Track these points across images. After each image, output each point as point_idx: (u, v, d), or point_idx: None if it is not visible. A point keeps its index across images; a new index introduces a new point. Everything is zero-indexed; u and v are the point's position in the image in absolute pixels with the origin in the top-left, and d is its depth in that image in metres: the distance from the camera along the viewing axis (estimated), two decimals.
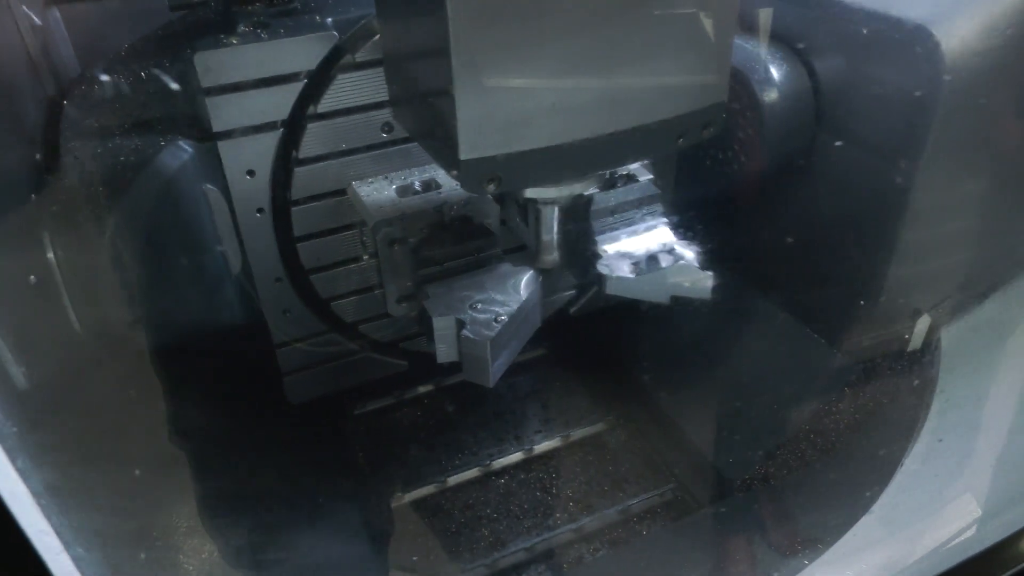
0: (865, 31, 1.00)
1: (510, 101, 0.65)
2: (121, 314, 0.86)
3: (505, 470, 1.39)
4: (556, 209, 0.83)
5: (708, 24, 0.68)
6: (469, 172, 0.65)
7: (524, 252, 1.06)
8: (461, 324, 0.82)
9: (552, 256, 0.86)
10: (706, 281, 0.91)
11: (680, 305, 0.96)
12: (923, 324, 1.12)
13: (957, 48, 0.93)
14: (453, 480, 1.37)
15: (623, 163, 0.87)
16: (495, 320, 0.82)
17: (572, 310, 1.37)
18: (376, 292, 1.10)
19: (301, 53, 0.93)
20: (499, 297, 0.86)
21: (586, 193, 0.93)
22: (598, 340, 1.54)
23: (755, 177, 1.15)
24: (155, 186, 0.90)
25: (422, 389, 1.51)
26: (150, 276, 0.92)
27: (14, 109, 0.85)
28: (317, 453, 1.32)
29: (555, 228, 0.84)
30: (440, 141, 0.67)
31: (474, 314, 0.83)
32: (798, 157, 1.11)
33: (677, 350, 1.43)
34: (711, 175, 1.17)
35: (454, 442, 1.43)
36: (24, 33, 0.94)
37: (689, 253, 0.94)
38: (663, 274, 0.91)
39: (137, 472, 0.87)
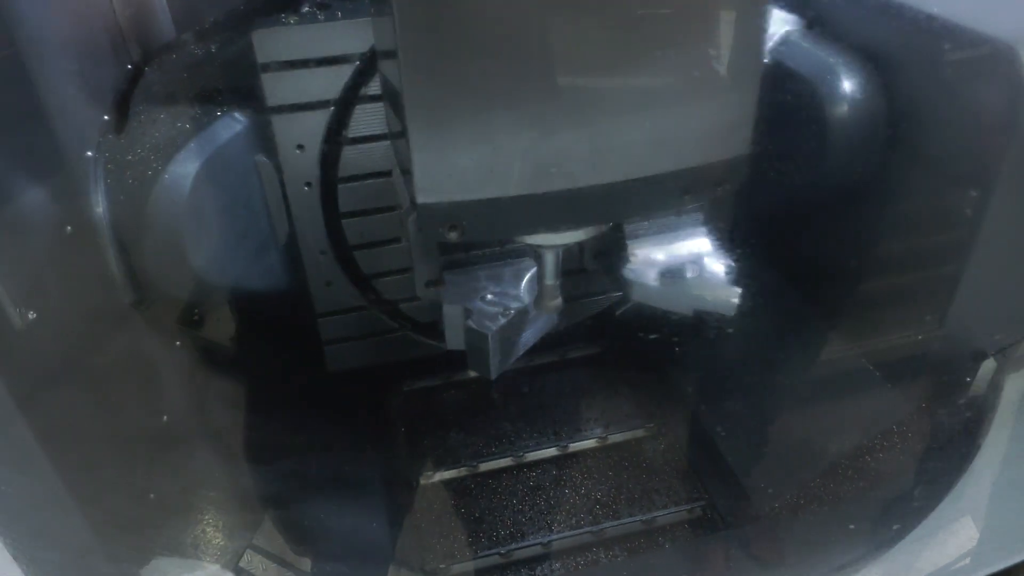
0: (947, 46, 0.93)
1: (473, 146, 0.61)
2: (161, 273, 0.92)
3: (538, 463, 1.39)
4: (558, 254, 0.80)
5: (722, 63, 0.61)
6: (427, 217, 0.62)
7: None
8: (468, 313, 0.83)
9: (555, 302, 0.84)
10: (732, 298, 0.88)
11: (733, 321, 0.93)
12: (986, 368, 1.03)
13: None
14: (484, 466, 1.39)
15: (614, 219, 0.78)
16: (502, 313, 0.82)
17: (618, 312, 1.35)
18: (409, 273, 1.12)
19: (355, 36, 0.96)
20: (513, 291, 0.86)
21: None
22: (655, 347, 1.51)
23: (815, 193, 1.09)
24: (209, 153, 0.95)
25: (466, 375, 1.53)
26: (198, 239, 0.97)
27: (90, 71, 0.92)
28: (354, 423, 1.37)
29: (556, 274, 0.82)
30: (407, 181, 0.65)
31: (484, 305, 0.84)
32: (862, 175, 1.05)
33: (726, 366, 1.38)
34: (766, 188, 1.12)
35: (491, 429, 1.45)
36: (116, 3, 1.02)
37: (719, 267, 0.91)
38: (687, 286, 0.88)
39: (165, 418, 0.94)
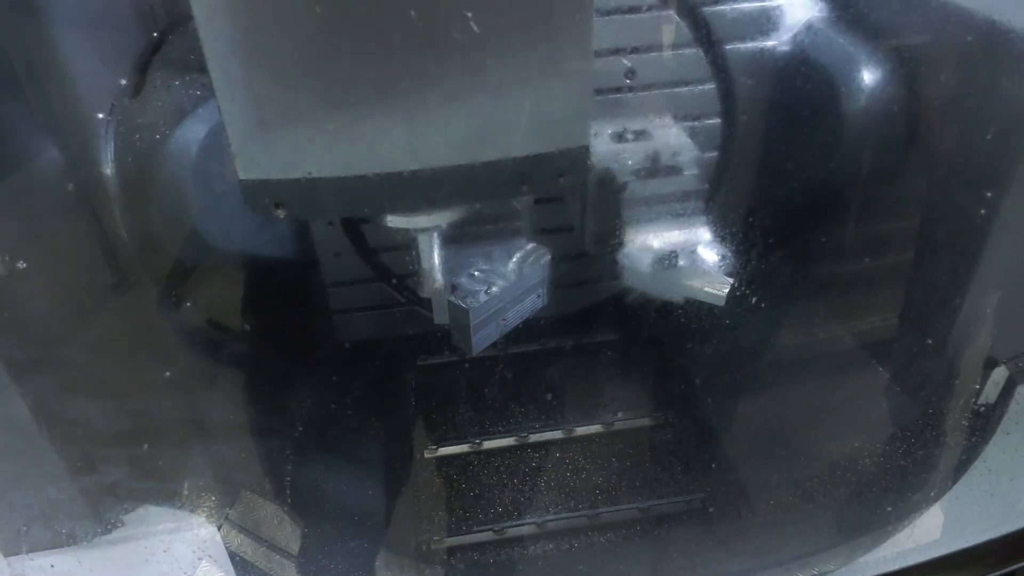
0: (970, 39, 0.89)
1: (287, 122, 0.59)
2: (171, 233, 0.95)
3: (541, 445, 1.40)
4: (434, 237, 0.78)
5: (558, 44, 0.58)
6: (249, 193, 0.62)
7: (551, 235, 1.04)
8: (452, 288, 0.84)
9: (434, 285, 0.82)
10: (722, 288, 0.87)
11: (742, 316, 0.92)
12: (998, 376, 1.00)
13: None
14: (488, 444, 1.40)
15: (445, 205, 0.73)
16: (485, 291, 0.83)
17: (628, 299, 1.34)
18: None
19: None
20: (500, 270, 0.87)
21: (620, 182, 0.91)
22: (671, 335, 1.50)
23: (829, 185, 1.06)
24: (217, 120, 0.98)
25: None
26: (208, 202, 1.00)
27: (110, 37, 0.96)
28: (360, 394, 1.40)
29: (435, 257, 0.79)
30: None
31: (468, 281, 0.85)
32: (880, 170, 1.01)
33: (737, 360, 1.36)
34: (775, 178, 1.09)
35: (497, 408, 1.45)
36: None
37: (713, 257, 0.89)
38: (678, 274, 0.88)
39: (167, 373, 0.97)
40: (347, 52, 0.57)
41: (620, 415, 1.41)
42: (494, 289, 0.83)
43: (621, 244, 0.92)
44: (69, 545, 0.67)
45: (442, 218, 0.73)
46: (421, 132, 0.60)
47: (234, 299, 1.07)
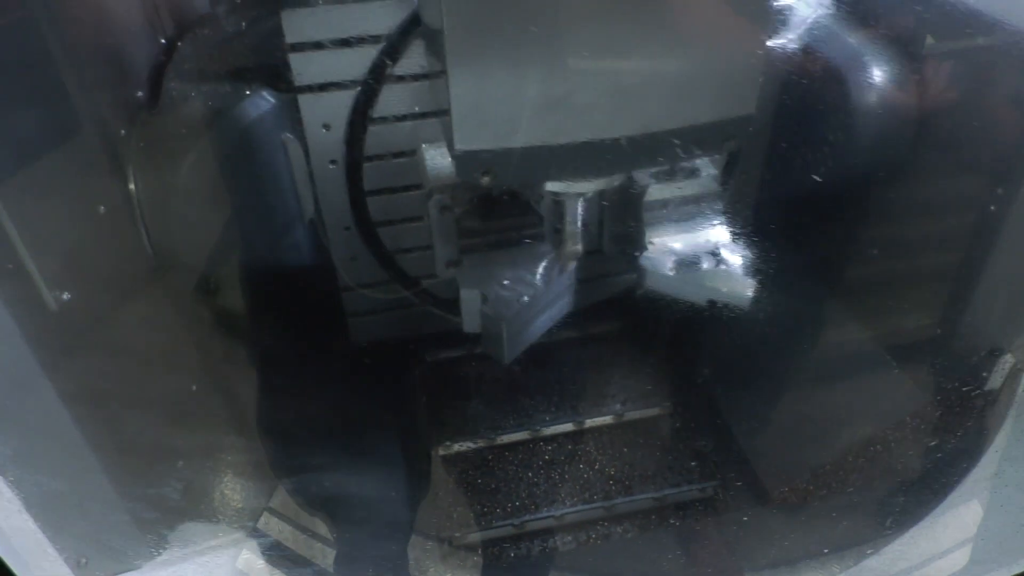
0: (981, 40, 0.91)
1: (504, 98, 0.66)
2: (193, 245, 0.95)
3: (554, 438, 1.42)
4: (580, 201, 0.82)
5: (732, 28, 0.64)
6: (463, 162, 0.67)
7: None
8: (484, 299, 0.85)
9: (575, 248, 0.86)
10: (746, 290, 0.88)
11: (751, 308, 0.94)
12: (1004, 364, 1.03)
13: None
14: (502, 439, 1.42)
15: (628, 170, 0.83)
16: (517, 300, 0.84)
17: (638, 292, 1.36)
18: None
19: (381, 16, 0.97)
20: (528, 277, 0.88)
21: (640, 184, 0.92)
22: (676, 327, 1.52)
23: (840, 183, 1.08)
24: (238, 130, 0.98)
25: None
26: (227, 212, 1.00)
27: (122, 49, 0.95)
28: (376, 393, 1.41)
29: (578, 220, 0.83)
30: (447, 128, 0.69)
31: (500, 291, 0.86)
32: (890, 166, 1.03)
33: (746, 349, 1.39)
34: (789, 176, 1.11)
35: (510, 402, 1.47)
36: None
37: (736, 259, 0.91)
38: (701, 277, 0.89)
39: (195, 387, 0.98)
40: (558, 37, 0.64)
41: (630, 405, 1.44)
42: (525, 299, 0.84)
43: (643, 247, 0.93)
44: (128, 571, 0.68)
45: (595, 185, 0.78)
46: (620, 105, 0.68)
47: (255, 305, 1.08)
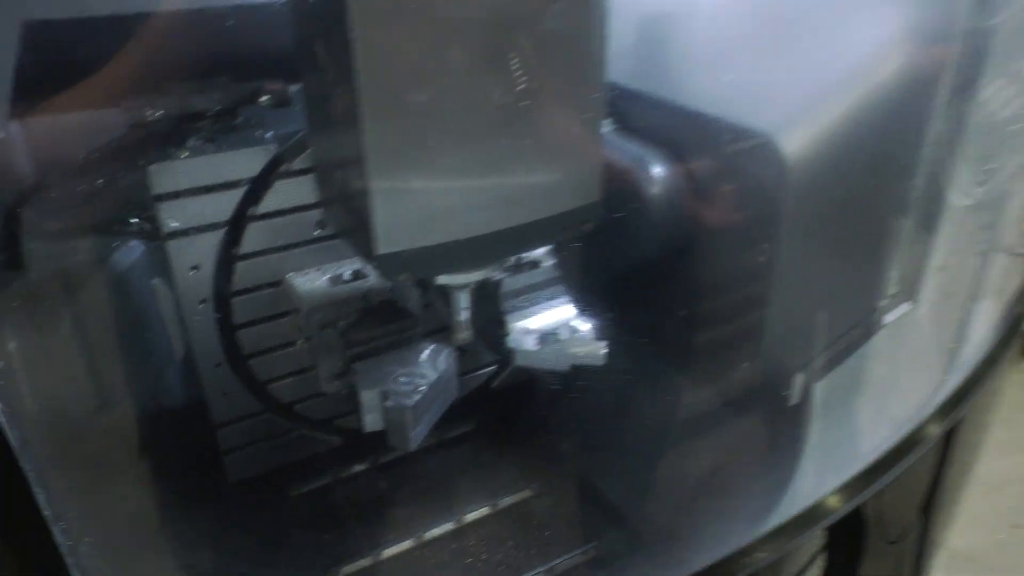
0: (725, 139, 1.20)
1: (418, 203, 0.78)
2: (78, 398, 0.95)
3: (438, 540, 1.47)
4: (467, 292, 0.96)
5: (580, 137, 0.84)
6: (385, 264, 0.78)
7: (443, 332, 1.19)
8: (385, 395, 0.94)
9: (466, 334, 0.99)
10: (600, 350, 1.06)
11: (588, 375, 1.10)
12: (798, 380, 1.29)
13: (796, 152, 1.13)
14: (387, 552, 1.44)
15: (515, 253, 0.99)
16: (415, 390, 0.94)
17: (494, 384, 1.49)
18: (311, 373, 1.20)
19: (243, 164, 1.07)
20: (419, 371, 0.99)
21: (495, 278, 1.08)
22: (525, 413, 1.66)
23: (647, 260, 1.32)
24: (110, 282, 1.01)
25: (357, 467, 1.59)
26: (103, 363, 1.01)
27: None
28: (257, 529, 1.38)
29: (468, 309, 0.97)
30: (360, 238, 0.80)
31: (396, 386, 0.95)
32: (682, 242, 1.29)
33: (588, 416, 1.56)
34: (613, 258, 1.34)
35: (389, 516, 1.51)
36: None
37: (586, 327, 1.09)
38: (562, 346, 1.05)
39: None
40: (461, 147, 0.78)
41: (505, 493, 1.53)
42: (423, 387, 0.94)
43: (508, 332, 1.08)
44: None
45: (479, 275, 0.92)
46: (509, 199, 0.84)
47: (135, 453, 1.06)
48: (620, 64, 1.37)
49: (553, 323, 1.09)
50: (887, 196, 1.25)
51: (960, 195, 1.19)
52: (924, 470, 1.39)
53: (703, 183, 1.27)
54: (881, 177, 1.24)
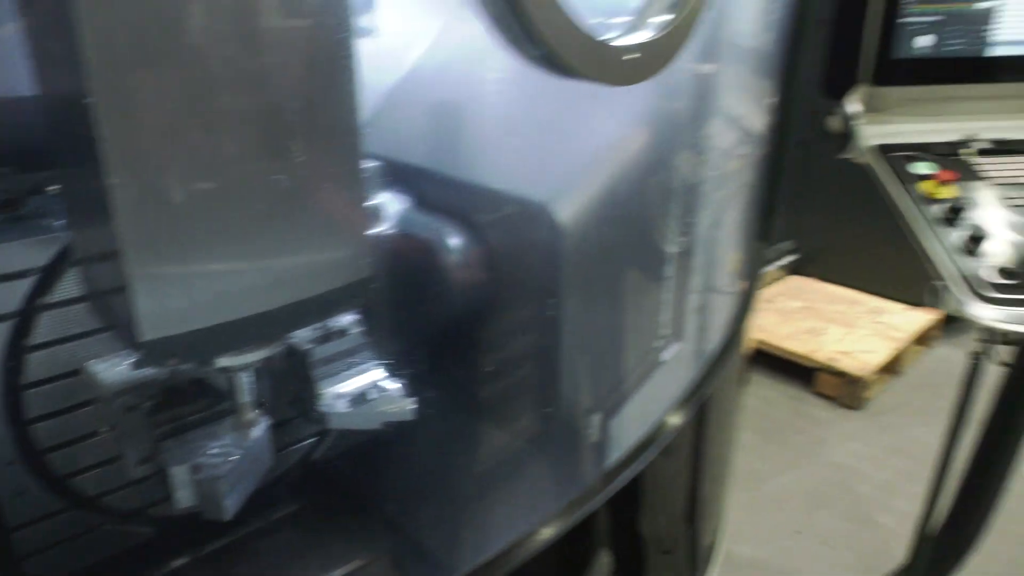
0: (508, 208, 1.36)
1: (180, 288, 0.79)
2: None
3: None
4: (249, 374, 0.98)
5: (343, 216, 0.90)
6: (151, 351, 0.78)
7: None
8: (195, 469, 0.95)
9: (250, 416, 1.01)
10: (408, 406, 1.14)
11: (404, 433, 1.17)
12: (596, 419, 1.44)
13: (569, 218, 1.30)
14: None
15: (287, 332, 1.01)
16: (225, 462, 0.96)
17: (315, 455, 1.52)
18: (116, 462, 1.17)
19: (30, 254, 1.06)
20: (228, 443, 1.01)
21: (303, 348, 1.14)
22: (350, 481, 1.69)
23: (448, 321, 1.43)
24: None
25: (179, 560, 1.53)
26: None
27: None
28: None
29: (250, 391, 0.99)
30: (124, 325, 0.79)
31: (206, 459, 0.97)
32: (478, 303, 1.42)
33: (408, 473, 1.62)
34: (418, 320, 1.43)
35: None
36: None
37: (394, 386, 1.17)
38: (373, 405, 1.13)
39: None
40: (227, 228, 0.79)
41: (335, 566, 1.54)
42: (234, 457, 0.97)
43: (320, 398, 1.13)
44: None
45: (260, 355, 0.92)
46: (274, 280, 0.85)
47: None
48: (416, 146, 1.51)
49: (363, 385, 1.16)
50: (644, 249, 1.47)
51: (671, 244, 1.42)
52: (679, 480, 1.59)
53: (492, 249, 1.42)
54: (638, 233, 1.46)
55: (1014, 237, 1.22)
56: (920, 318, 4.43)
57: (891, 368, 4.18)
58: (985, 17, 1.38)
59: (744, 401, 4.02)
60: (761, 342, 4.28)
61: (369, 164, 1.17)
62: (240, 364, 0.96)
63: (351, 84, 0.86)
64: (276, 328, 0.91)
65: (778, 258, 5.17)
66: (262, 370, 1.09)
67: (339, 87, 0.85)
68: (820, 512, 3.20)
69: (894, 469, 3.44)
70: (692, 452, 1.49)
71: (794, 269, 5.24)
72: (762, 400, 4.06)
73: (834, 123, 1.41)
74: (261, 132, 0.80)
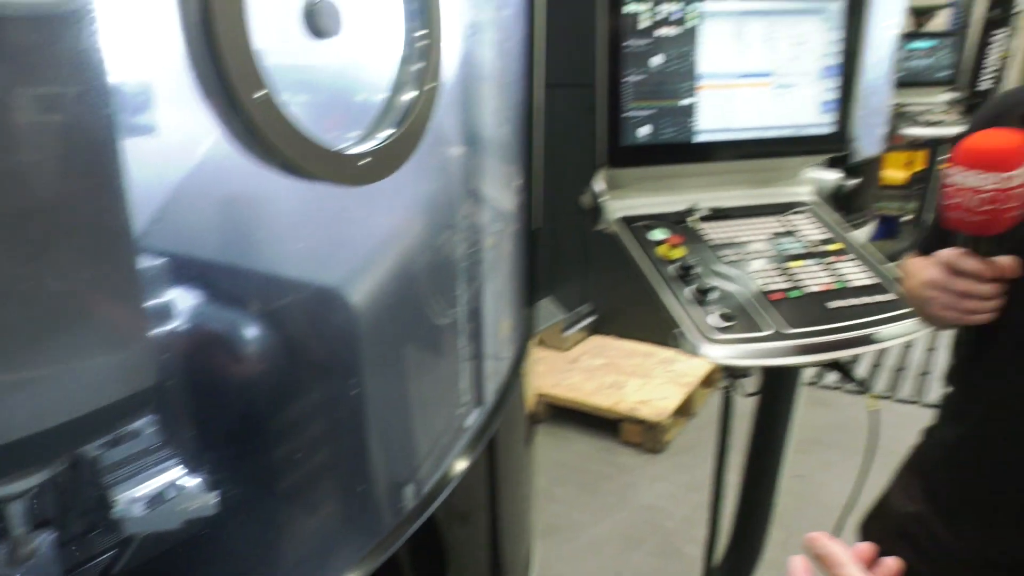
0: (300, 296, 1.42)
1: None
2: None
3: None
4: (21, 503, 0.92)
5: (123, 324, 0.88)
6: None
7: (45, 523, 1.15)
8: None
9: (26, 549, 0.94)
10: (211, 500, 1.15)
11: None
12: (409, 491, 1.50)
13: (361, 301, 1.39)
14: None
15: (64, 454, 0.94)
16: None
17: (116, 568, 1.44)
18: None
19: None
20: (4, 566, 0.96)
21: (91, 453, 1.11)
22: None
23: (246, 412, 1.44)
24: None
25: None
26: None
27: None
28: None
29: (21, 522, 0.93)
30: None
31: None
32: (280, 390, 1.45)
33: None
34: (221, 415, 1.43)
35: None
36: None
37: (192, 482, 1.17)
38: (172, 504, 1.12)
39: None
40: None
41: None
42: None
43: (114, 505, 1.11)
44: None
45: (34, 480, 0.87)
46: (43, 399, 0.80)
47: None
48: (207, 240, 1.53)
49: (159, 485, 1.15)
50: (426, 323, 1.59)
51: (444, 317, 1.56)
52: (476, 524, 1.69)
53: (288, 336, 1.46)
54: (420, 309, 1.58)
55: (731, 287, 1.48)
56: (705, 364, 4.95)
57: (684, 411, 4.61)
58: (688, 110, 1.70)
59: (561, 458, 4.24)
60: (571, 400, 4.56)
61: (153, 262, 1.19)
62: (10, 493, 0.89)
63: (118, 182, 0.81)
64: (49, 451, 0.86)
65: (579, 320, 5.57)
66: (46, 484, 1.06)
67: (104, 186, 0.80)
68: (634, 552, 3.43)
69: (693, 504, 3.77)
70: (486, 493, 1.59)
71: (594, 329, 5.65)
72: (576, 455, 4.30)
73: (586, 199, 1.64)
74: (13, 235, 0.72)
